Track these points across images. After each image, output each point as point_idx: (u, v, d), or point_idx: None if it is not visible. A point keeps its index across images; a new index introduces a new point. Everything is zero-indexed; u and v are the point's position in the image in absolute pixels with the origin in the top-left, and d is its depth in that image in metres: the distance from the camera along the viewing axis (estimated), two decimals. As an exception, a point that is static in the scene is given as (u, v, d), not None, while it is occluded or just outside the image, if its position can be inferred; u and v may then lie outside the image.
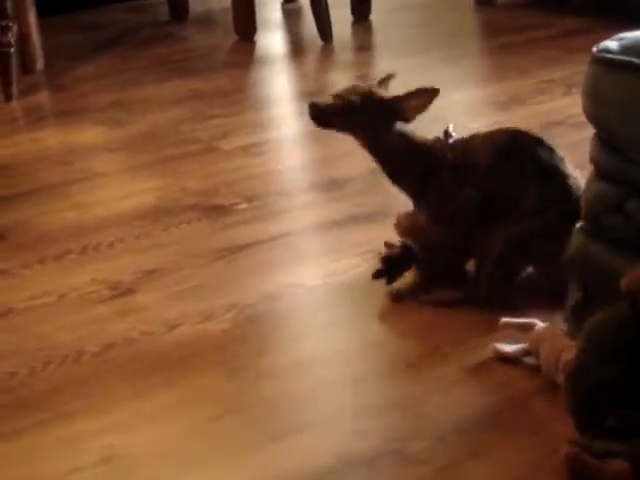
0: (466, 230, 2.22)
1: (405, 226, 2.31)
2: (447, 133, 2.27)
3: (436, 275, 2.30)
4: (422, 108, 2.20)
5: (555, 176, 2.15)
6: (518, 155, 2.17)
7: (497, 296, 2.20)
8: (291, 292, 2.35)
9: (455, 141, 2.26)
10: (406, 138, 2.23)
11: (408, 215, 2.31)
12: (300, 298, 2.33)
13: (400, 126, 2.23)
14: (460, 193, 2.20)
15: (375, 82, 2.30)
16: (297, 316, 2.29)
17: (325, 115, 2.23)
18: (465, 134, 2.28)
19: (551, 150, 2.17)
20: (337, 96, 2.23)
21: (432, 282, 2.28)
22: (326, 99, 2.24)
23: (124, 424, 1.91)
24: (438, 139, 2.26)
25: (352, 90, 2.24)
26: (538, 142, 2.18)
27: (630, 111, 1.72)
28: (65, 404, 1.98)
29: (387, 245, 2.37)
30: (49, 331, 2.24)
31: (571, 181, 2.14)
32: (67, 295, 2.38)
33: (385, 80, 2.30)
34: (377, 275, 2.29)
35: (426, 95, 2.19)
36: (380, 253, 2.34)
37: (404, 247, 2.31)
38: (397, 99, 2.21)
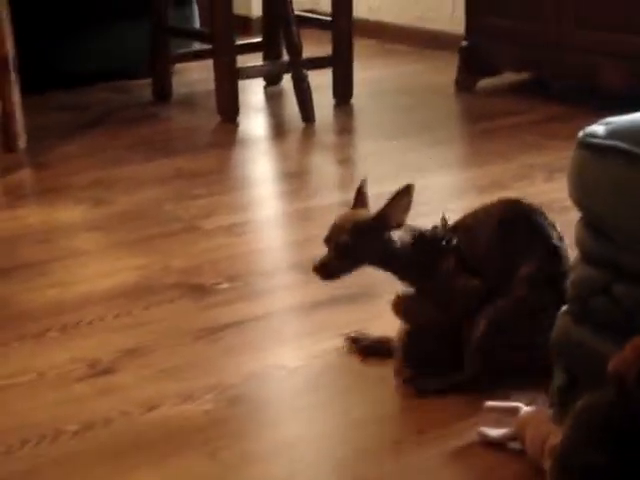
0: (463, 317, 2.22)
1: (403, 306, 2.29)
2: (444, 219, 2.27)
3: (419, 360, 2.28)
4: (406, 208, 2.19)
5: (557, 253, 2.15)
6: (520, 224, 2.18)
7: (482, 378, 2.19)
8: (273, 373, 2.33)
9: (455, 222, 2.26)
10: (408, 236, 2.22)
11: (407, 296, 2.29)
12: (282, 379, 2.31)
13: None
14: (466, 280, 2.20)
15: (353, 198, 2.28)
16: (279, 397, 2.27)
17: (332, 270, 2.22)
18: (463, 214, 2.28)
19: (552, 225, 2.18)
20: (329, 242, 2.21)
21: (412, 367, 2.26)
22: (322, 253, 2.21)
23: (102, 506, 1.89)
24: (436, 226, 2.26)
25: (338, 228, 2.21)
26: (539, 212, 2.19)
27: (616, 196, 1.73)
28: (42, 484, 1.95)
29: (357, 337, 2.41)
30: (27, 409, 2.21)
31: (568, 260, 2.14)
32: (46, 373, 2.35)
33: (361, 191, 2.28)
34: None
35: (405, 195, 2.19)
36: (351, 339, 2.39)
37: (379, 340, 2.36)
38: (382, 214, 2.20)
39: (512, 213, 2.20)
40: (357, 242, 2.18)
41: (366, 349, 2.38)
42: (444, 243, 2.22)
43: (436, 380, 2.23)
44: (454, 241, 2.22)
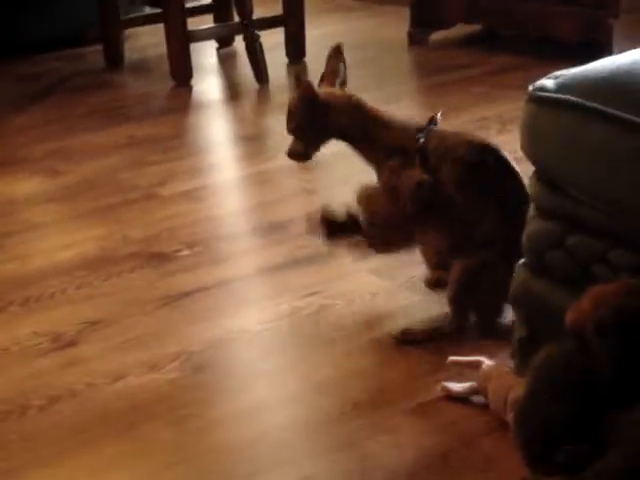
0: (413, 214, 2.22)
1: (361, 195, 2.30)
2: (432, 119, 2.27)
3: (375, 247, 2.31)
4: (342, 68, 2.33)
5: (517, 210, 2.08)
6: (485, 175, 2.19)
7: (462, 325, 2.24)
8: (237, 338, 2.34)
9: (433, 131, 2.25)
10: (384, 117, 2.28)
11: (369, 187, 2.30)
12: (246, 344, 2.32)
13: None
14: (416, 175, 2.20)
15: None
16: (244, 363, 2.28)
17: (301, 153, 2.32)
18: (443, 129, 2.28)
19: (518, 177, 2.18)
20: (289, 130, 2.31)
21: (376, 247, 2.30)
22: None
23: (71, 478, 1.89)
24: (418, 123, 2.27)
25: (290, 113, 2.33)
26: (506, 165, 2.20)
27: (567, 148, 1.74)
28: (10, 459, 1.95)
29: (326, 210, 2.34)
30: (-8, 386, 2.21)
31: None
32: (9, 349, 2.34)
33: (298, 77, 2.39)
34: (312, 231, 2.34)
35: (335, 57, 2.31)
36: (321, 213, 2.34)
37: (348, 215, 2.31)
38: (322, 80, 2.32)
39: (479, 163, 2.19)
40: (308, 120, 2.27)
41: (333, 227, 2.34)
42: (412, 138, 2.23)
43: (421, 330, 2.26)
44: (420, 141, 2.22)
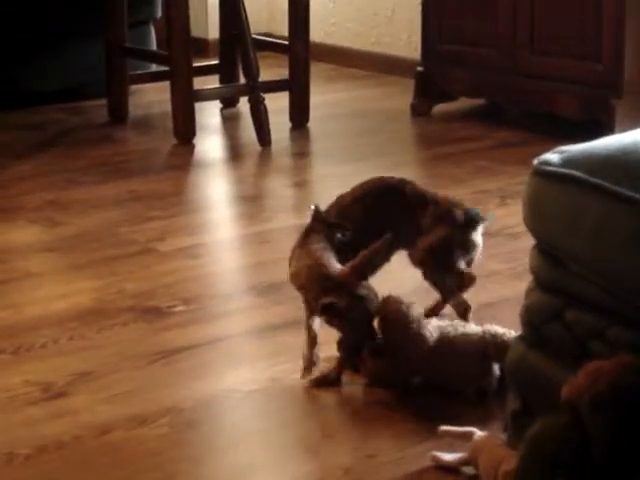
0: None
1: None
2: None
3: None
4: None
5: None
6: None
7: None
8: (228, 397, 2.32)
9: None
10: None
11: None
12: (237, 403, 2.31)
13: None
14: None
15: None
16: (234, 422, 2.26)
17: None
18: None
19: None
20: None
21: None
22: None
23: (55, 531, 1.87)
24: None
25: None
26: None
27: (569, 223, 1.75)
28: (-6, 509, 1.93)
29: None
30: (-21, 433, 2.19)
31: None
32: (-2, 396, 2.33)
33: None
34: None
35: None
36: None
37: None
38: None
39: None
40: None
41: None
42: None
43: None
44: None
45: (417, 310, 2.28)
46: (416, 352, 2.25)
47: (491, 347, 2.22)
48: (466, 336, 2.27)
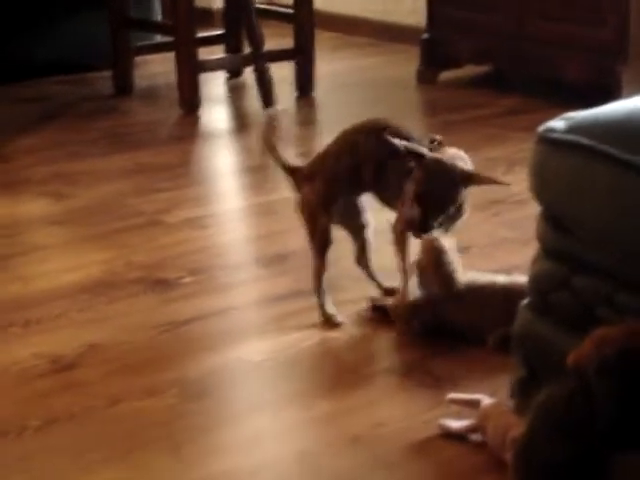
0: None
1: None
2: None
3: None
4: None
5: None
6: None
7: None
8: (237, 367, 2.33)
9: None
10: None
11: None
12: (246, 373, 2.32)
13: None
14: None
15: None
16: (243, 391, 2.27)
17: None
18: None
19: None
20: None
21: None
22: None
23: (66, 502, 1.88)
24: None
25: None
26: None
27: (576, 190, 1.75)
28: (6, 479, 1.95)
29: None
30: (-10, 406, 2.20)
31: None
32: (9, 369, 2.34)
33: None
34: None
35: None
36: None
37: None
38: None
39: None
40: None
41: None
42: None
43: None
44: None
45: (453, 255, 2.39)
46: (446, 293, 2.38)
47: (517, 293, 2.24)
48: (494, 282, 2.40)
